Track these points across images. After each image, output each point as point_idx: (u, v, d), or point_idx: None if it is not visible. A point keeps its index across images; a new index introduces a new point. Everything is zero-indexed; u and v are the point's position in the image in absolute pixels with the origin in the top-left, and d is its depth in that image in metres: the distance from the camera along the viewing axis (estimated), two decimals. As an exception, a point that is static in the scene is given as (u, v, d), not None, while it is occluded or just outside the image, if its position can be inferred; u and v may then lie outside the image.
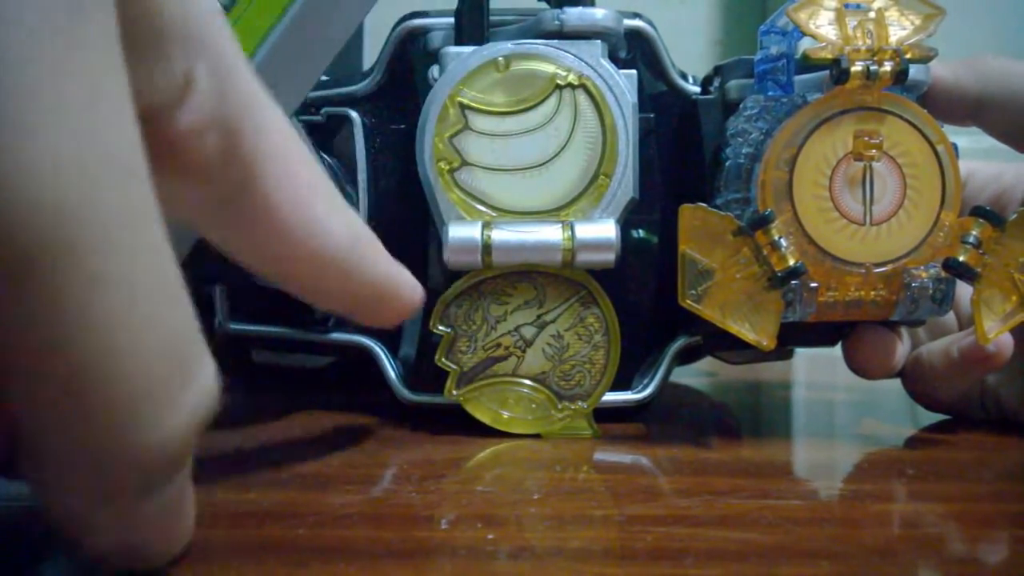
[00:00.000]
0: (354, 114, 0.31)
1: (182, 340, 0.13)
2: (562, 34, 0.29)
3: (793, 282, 0.26)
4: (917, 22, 0.27)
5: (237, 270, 0.24)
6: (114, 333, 0.12)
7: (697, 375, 0.47)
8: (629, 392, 0.31)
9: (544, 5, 0.29)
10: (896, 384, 0.32)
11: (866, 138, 0.26)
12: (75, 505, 0.13)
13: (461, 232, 0.28)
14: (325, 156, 0.29)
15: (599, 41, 0.29)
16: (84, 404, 0.12)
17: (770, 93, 0.28)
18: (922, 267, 0.27)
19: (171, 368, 0.13)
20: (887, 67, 0.26)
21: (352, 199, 0.30)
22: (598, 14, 0.29)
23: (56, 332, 0.12)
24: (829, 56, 0.26)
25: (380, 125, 0.32)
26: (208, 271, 0.27)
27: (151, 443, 0.13)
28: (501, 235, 0.28)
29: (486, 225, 0.28)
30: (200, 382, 0.14)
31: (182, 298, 0.13)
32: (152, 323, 0.13)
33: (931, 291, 0.27)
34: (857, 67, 0.26)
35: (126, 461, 0.13)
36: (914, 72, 0.27)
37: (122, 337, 0.12)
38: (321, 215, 0.18)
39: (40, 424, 0.12)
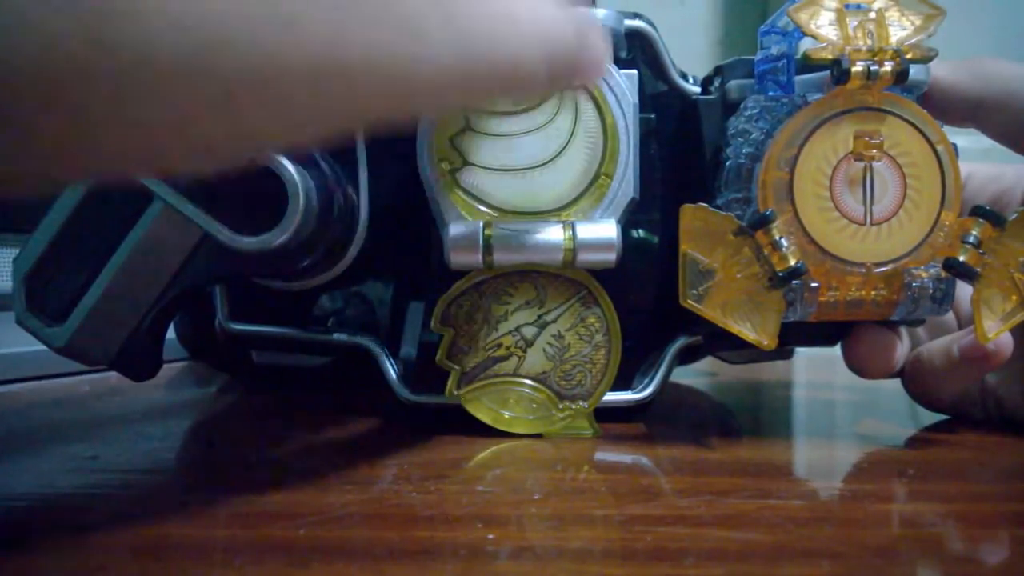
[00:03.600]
0: None
1: None
2: (563, 34, 0.28)
3: (794, 282, 0.26)
4: (917, 22, 0.27)
5: (236, 269, 0.24)
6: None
7: (697, 375, 0.47)
8: (630, 392, 0.31)
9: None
10: (896, 384, 0.32)
11: (866, 138, 0.26)
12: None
13: (462, 232, 0.28)
14: (325, 157, 0.29)
15: (600, 41, 0.29)
16: None
17: (771, 93, 0.28)
18: (922, 267, 0.27)
19: None
20: (888, 67, 0.26)
21: (352, 200, 0.30)
22: (599, 14, 0.29)
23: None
24: (830, 56, 0.26)
25: None
26: (208, 271, 0.27)
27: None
28: (502, 235, 0.28)
29: (487, 225, 0.28)
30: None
31: None
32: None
33: (931, 291, 0.27)
34: (858, 67, 0.26)
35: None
36: (914, 72, 0.27)
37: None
38: None
39: None
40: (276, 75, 0.15)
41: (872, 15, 0.27)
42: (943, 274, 0.26)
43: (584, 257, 0.28)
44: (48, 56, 0.13)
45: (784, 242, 0.26)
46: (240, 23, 0.14)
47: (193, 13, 0.14)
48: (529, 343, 0.29)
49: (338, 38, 0.16)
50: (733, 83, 0.30)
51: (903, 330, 0.30)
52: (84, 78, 0.13)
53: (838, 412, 0.39)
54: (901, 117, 0.27)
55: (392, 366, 0.31)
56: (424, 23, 0.17)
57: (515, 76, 0.20)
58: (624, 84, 0.28)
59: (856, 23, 0.26)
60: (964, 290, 0.28)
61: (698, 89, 0.32)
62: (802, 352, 0.42)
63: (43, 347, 0.27)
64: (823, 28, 0.26)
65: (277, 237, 0.26)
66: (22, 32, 0.13)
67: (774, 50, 0.28)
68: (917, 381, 0.31)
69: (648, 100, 0.31)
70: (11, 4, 0.13)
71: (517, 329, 0.29)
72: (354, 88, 0.16)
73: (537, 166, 0.28)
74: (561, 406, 0.29)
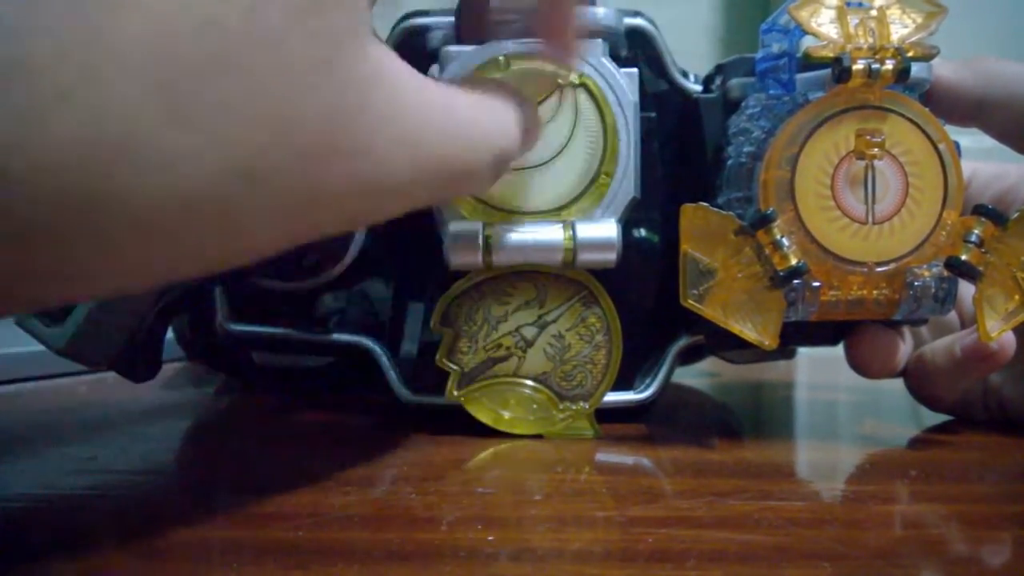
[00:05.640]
0: None
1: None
2: (563, 33, 0.28)
3: (795, 281, 0.26)
4: (919, 20, 0.27)
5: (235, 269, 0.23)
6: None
7: (699, 375, 0.47)
8: (631, 392, 0.31)
9: (545, 4, 0.29)
10: (899, 384, 0.32)
11: (868, 136, 0.26)
12: None
13: (462, 232, 0.27)
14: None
15: (600, 40, 0.28)
16: None
17: (772, 92, 0.28)
18: (924, 266, 0.26)
19: None
20: (889, 65, 0.26)
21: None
22: (599, 12, 0.29)
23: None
24: (831, 54, 0.26)
25: None
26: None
27: None
28: (502, 235, 0.27)
29: (487, 225, 0.28)
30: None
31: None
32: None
33: (933, 290, 0.26)
34: (859, 65, 0.26)
35: None
36: (916, 70, 0.27)
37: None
38: None
39: None
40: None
41: (873, 13, 0.26)
42: (945, 273, 0.26)
43: (584, 257, 0.28)
44: None
45: (785, 241, 0.26)
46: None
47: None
48: (529, 343, 0.29)
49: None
50: (734, 81, 0.30)
51: (906, 330, 0.30)
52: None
53: (840, 413, 0.39)
54: (903, 115, 0.26)
55: (392, 367, 0.31)
56: (376, 145, 0.17)
57: (465, 182, 0.21)
58: (624, 83, 0.28)
59: (857, 21, 0.26)
60: (967, 289, 0.28)
61: (699, 87, 0.32)
62: (804, 352, 0.41)
63: (42, 347, 0.27)
64: (824, 26, 0.26)
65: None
66: None
67: (775, 48, 0.28)
68: (920, 381, 0.31)
69: (649, 99, 0.31)
70: None
71: (517, 329, 0.29)
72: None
73: (537, 165, 0.28)
74: (562, 407, 0.29)
